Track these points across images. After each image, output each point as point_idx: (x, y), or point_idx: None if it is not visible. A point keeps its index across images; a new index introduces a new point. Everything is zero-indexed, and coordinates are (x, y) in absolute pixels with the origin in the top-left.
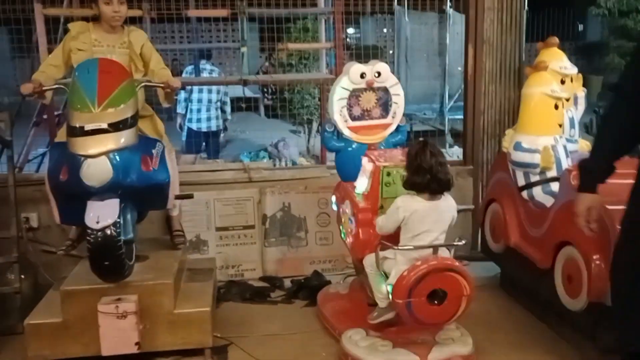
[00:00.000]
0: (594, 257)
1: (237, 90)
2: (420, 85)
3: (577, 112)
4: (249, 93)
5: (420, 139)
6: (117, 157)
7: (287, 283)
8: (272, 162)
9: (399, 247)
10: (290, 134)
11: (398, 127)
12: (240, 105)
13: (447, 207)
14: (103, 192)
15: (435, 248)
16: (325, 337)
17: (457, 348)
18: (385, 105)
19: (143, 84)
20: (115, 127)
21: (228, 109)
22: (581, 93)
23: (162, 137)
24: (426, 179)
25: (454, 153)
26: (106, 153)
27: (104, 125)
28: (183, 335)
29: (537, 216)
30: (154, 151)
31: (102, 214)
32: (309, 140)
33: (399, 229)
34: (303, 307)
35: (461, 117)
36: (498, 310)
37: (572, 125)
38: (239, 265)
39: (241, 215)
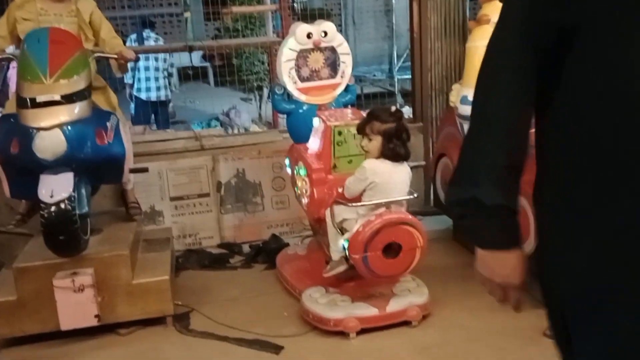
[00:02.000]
0: None
1: (185, 59)
2: (368, 47)
3: None
4: (197, 62)
5: (393, 107)
6: (71, 130)
7: (246, 248)
8: (224, 131)
9: (353, 205)
10: (242, 102)
11: (347, 86)
12: (188, 73)
13: (406, 170)
14: (57, 166)
15: (388, 204)
16: (286, 298)
17: (414, 298)
18: (333, 65)
19: (96, 55)
20: (69, 99)
21: (173, 80)
22: None
23: (115, 109)
24: (390, 144)
25: (404, 113)
26: (59, 125)
27: (57, 97)
28: (143, 305)
29: None
30: (108, 124)
31: (56, 188)
32: (260, 107)
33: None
34: (263, 270)
35: (410, 76)
36: (452, 261)
37: None
38: (196, 233)
39: (195, 183)
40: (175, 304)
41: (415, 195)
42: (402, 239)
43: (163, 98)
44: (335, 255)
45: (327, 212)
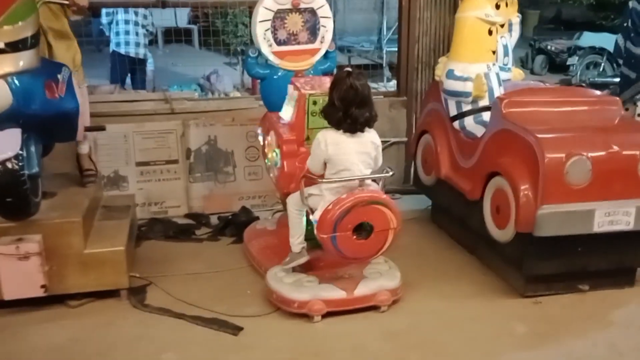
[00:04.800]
0: (522, 187)
1: (169, 20)
2: (358, 17)
3: (511, 39)
4: (182, 24)
5: (347, 68)
6: (17, 82)
7: (214, 220)
8: (204, 96)
9: (324, 181)
10: (225, 67)
11: (327, 53)
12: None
13: (369, 139)
14: (2, 121)
15: (362, 180)
16: (251, 275)
17: (384, 282)
18: (313, 29)
19: (44, 1)
20: (14, 47)
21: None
22: (516, 19)
23: (77, 68)
24: (338, 115)
25: (393, 86)
26: (4, 76)
27: (0, 45)
28: (96, 277)
29: (468, 147)
30: (59, 76)
31: (1, 146)
32: (243, 73)
33: None
34: (230, 244)
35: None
36: (428, 243)
37: (505, 53)
38: (162, 202)
39: (163, 149)
40: (131, 276)
41: (391, 173)
42: (374, 219)
43: (142, 56)
44: (295, 245)
45: (292, 197)
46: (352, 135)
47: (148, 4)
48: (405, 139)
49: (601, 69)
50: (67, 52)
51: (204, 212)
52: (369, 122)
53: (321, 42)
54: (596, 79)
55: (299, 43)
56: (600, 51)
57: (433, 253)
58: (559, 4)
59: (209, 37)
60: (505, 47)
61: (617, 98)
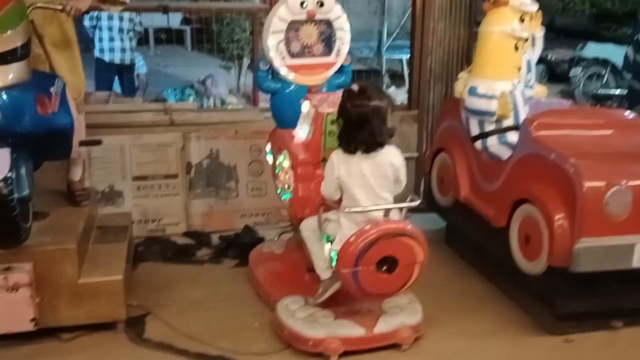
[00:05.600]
0: (557, 217)
1: (160, 20)
2: (357, 22)
3: (534, 54)
4: (174, 24)
5: (355, 85)
6: (5, 97)
7: (215, 239)
8: (199, 100)
9: (346, 210)
10: (221, 70)
11: (342, 67)
12: (161, 37)
13: (387, 161)
14: None
15: (387, 210)
16: (258, 304)
17: (406, 317)
18: (328, 41)
19: (36, 6)
20: (2, 58)
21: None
22: (539, 33)
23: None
24: (345, 136)
25: (391, 95)
26: None
27: None
28: (90, 308)
29: (491, 169)
30: (52, 89)
31: None
32: (239, 77)
33: None
34: (233, 267)
35: (400, 56)
36: (444, 269)
37: (528, 69)
38: (160, 219)
39: (162, 163)
40: (129, 305)
41: (417, 202)
42: (400, 252)
43: (127, 62)
44: (324, 271)
45: (307, 221)
46: (367, 156)
47: (150, 8)
48: (416, 154)
49: (604, 81)
50: (68, 60)
51: (204, 230)
52: (383, 139)
53: (337, 56)
54: (599, 92)
55: (313, 56)
56: (604, 62)
57: (450, 282)
58: (556, 12)
59: (202, 39)
60: (529, 62)
61: None
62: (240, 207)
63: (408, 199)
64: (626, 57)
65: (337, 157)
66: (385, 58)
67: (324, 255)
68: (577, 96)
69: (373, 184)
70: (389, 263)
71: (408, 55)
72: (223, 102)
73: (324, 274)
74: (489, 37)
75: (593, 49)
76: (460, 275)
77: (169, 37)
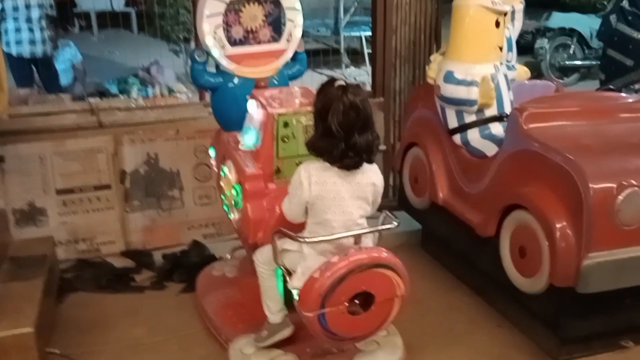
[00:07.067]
0: (558, 226)
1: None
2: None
3: (514, 29)
4: (118, 7)
5: (339, 81)
6: None
7: (159, 258)
8: (143, 90)
9: (307, 239)
10: (171, 55)
11: (295, 54)
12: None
13: (369, 180)
14: None
15: (358, 236)
16: (210, 343)
17: (385, 355)
18: (276, 24)
19: None
20: None
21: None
22: (519, 5)
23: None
24: (339, 148)
25: (350, 74)
26: None
27: None
28: None
29: (474, 167)
30: None
31: None
32: (188, 62)
33: None
34: (179, 293)
35: (358, 34)
36: (425, 283)
37: (509, 48)
38: (92, 238)
39: (91, 172)
40: (49, 354)
41: (396, 223)
42: (376, 287)
43: (40, 54)
44: (273, 314)
45: (260, 252)
46: (348, 173)
47: None
48: (383, 147)
49: (571, 52)
50: None
51: (146, 248)
52: (372, 151)
53: (288, 41)
54: (566, 63)
55: (259, 43)
56: (571, 32)
57: (433, 298)
58: None
59: (148, 22)
60: (509, 40)
61: None
62: (187, 218)
63: (382, 218)
64: (607, 26)
65: (309, 174)
66: (344, 36)
67: (276, 295)
68: (544, 69)
69: (351, 209)
70: (363, 300)
71: (367, 33)
72: (171, 91)
73: (274, 317)
74: (465, 13)
75: (558, 19)
76: (443, 289)
77: (113, 21)
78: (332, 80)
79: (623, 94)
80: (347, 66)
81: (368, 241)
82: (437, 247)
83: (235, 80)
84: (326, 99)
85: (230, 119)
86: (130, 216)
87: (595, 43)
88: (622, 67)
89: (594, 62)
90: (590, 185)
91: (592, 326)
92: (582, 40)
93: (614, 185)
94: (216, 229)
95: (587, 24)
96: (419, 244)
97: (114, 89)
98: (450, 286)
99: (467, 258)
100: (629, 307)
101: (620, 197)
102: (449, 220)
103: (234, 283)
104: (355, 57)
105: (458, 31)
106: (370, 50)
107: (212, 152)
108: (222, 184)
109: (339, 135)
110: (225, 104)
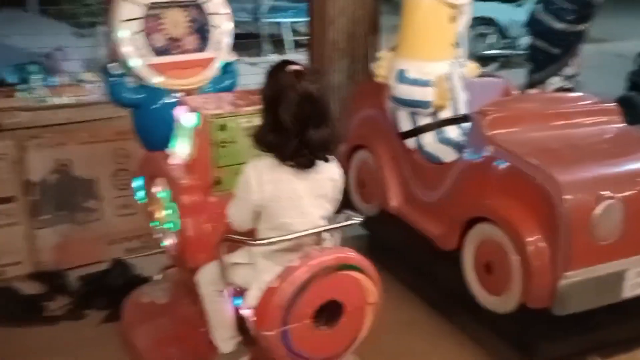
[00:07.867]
0: (530, 239)
1: None
2: None
3: (462, 23)
4: None
5: (293, 65)
6: None
7: (75, 280)
8: (44, 79)
9: (261, 241)
10: (76, 39)
11: (226, 65)
12: None
13: (327, 176)
14: None
15: (318, 236)
16: None
17: None
18: (202, 30)
19: None
20: None
21: None
22: None
23: None
24: (292, 144)
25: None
26: None
27: None
28: None
29: (430, 173)
30: None
31: None
32: (98, 48)
33: None
34: (101, 323)
35: (280, 20)
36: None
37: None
38: None
39: None
40: None
41: (359, 219)
42: (345, 293)
43: None
44: (224, 342)
45: (204, 272)
46: (304, 170)
47: None
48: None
49: (490, 41)
50: None
51: (59, 269)
52: (329, 149)
53: (216, 50)
54: (485, 52)
55: (184, 52)
56: (490, 22)
57: (385, 311)
58: None
59: (48, 2)
60: (459, 35)
61: (614, 105)
62: (107, 231)
63: (344, 219)
64: (533, 16)
65: (258, 173)
66: (266, 22)
67: (226, 320)
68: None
69: (310, 209)
70: (330, 313)
71: (293, 19)
72: (79, 82)
73: (225, 345)
74: (417, 6)
75: (477, 8)
76: (397, 302)
77: (8, 0)
78: (284, 62)
79: (582, 94)
80: (268, 54)
81: (328, 242)
82: (387, 256)
83: (160, 94)
84: (277, 86)
85: (157, 137)
86: (39, 232)
87: (514, 32)
88: (548, 56)
89: (512, 52)
90: (565, 197)
91: (565, 347)
92: (500, 30)
93: (591, 198)
94: (141, 242)
95: (506, 13)
96: (366, 252)
97: (11, 78)
98: (405, 300)
99: (422, 270)
100: (602, 324)
101: (598, 210)
102: (401, 230)
103: (165, 311)
104: (276, 43)
105: (410, 26)
106: (293, 38)
107: (136, 183)
108: (152, 208)
109: (292, 129)
110: (150, 122)
